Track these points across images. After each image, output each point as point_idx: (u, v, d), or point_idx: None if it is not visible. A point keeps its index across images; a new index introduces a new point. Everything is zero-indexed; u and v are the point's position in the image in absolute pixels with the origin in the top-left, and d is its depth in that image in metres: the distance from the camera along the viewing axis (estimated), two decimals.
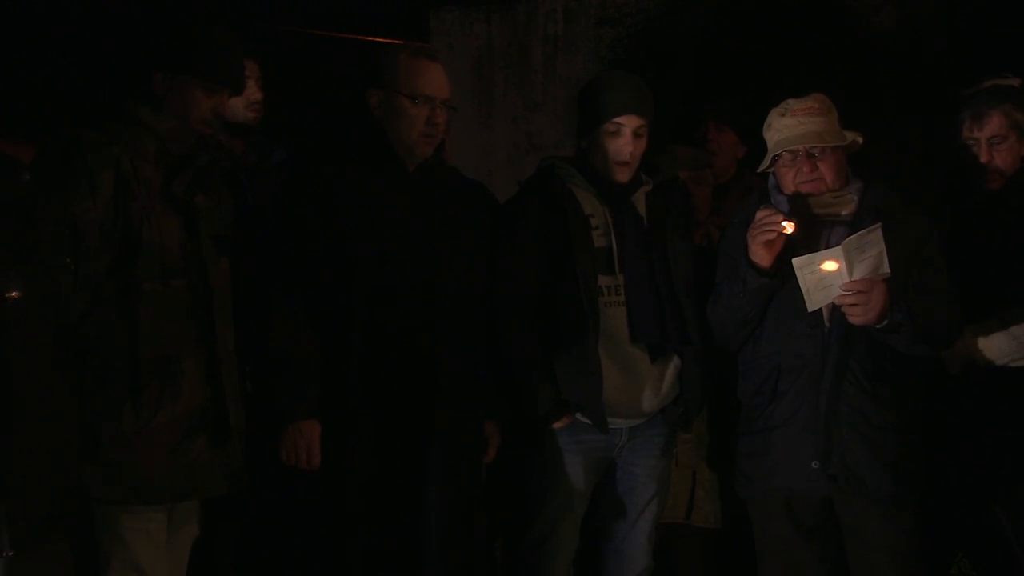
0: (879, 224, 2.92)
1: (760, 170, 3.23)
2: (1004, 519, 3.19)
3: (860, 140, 3.16)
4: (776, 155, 3.13)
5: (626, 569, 3.35)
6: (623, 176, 3.25)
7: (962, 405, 3.20)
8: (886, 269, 2.91)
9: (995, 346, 3.14)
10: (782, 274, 3.02)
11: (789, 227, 2.99)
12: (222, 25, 2.92)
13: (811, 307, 2.96)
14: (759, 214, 3.03)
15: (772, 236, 3.00)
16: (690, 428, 3.41)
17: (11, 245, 2.21)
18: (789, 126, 3.10)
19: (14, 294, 2.16)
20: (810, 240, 3.07)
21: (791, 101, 3.15)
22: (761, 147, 3.24)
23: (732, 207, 4.07)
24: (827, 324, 3.04)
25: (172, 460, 2.74)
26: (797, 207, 3.10)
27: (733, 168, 4.35)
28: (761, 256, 3.02)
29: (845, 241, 2.89)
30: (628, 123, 3.23)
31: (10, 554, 2.14)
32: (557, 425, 3.18)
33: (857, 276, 2.89)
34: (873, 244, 2.89)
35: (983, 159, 3.28)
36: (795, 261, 2.93)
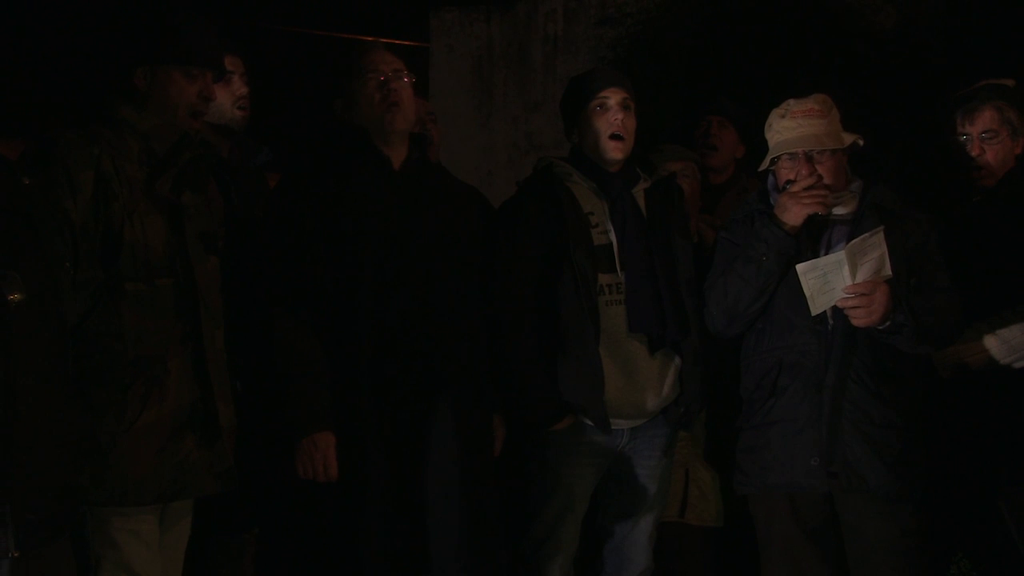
0: (881, 227, 2.92)
1: (760, 170, 3.23)
2: (1008, 517, 3.20)
3: (861, 142, 3.15)
4: (776, 156, 3.14)
5: (626, 569, 3.35)
6: (618, 151, 3.23)
7: (960, 404, 3.21)
8: (888, 271, 2.92)
9: (988, 350, 3.14)
10: (800, 245, 3.04)
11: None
12: (193, 11, 2.90)
13: (815, 311, 2.96)
14: (806, 180, 3.02)
15: (814, 209, 3.00)
16: (691, 427, 3.40)
17: (12, 248, 2.21)
18: (789, 128, 3.10)
19: (15, 296, 2.16)
20: (811, 240, 3.08)
21: (791, 102, 3.15)
22: (759, 148, 3.25)
23: (728, 207, 4.08)
24: (831, 321, 3.03)
25: (160, 460, 2.72)
26: None
27: (731, 168, 4.35)
28: (794, 215, 3.03)
29: (848, 245, 2.89)
30: (613, 95, 3.24)
31: (16, 554, 2.14)
32: (558, 427, 3.18)
33: (860, 279, 2.89)
34: (875, 247, 2.90)
35: (974, 153, 3.29)
36: (799, 267, 2.93)
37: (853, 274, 2.88)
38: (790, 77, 4.83)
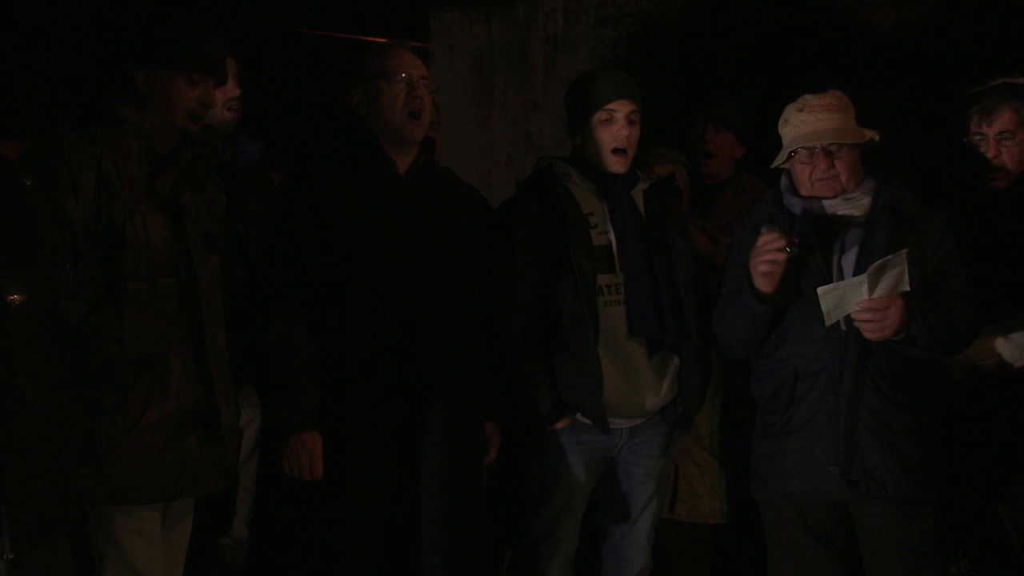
0: (906, 250, 2.87)
1: (774, 166, 3.18)
2: (1006, 519, 3.19)
3: (877, 138, 3.11)
4: (792, 151, 3.10)
5: (625, 569, 3.35)
6: (620, 166, 3.23)
7: (965, 407, 3.20)
8: (906, 286, 2.87)
9: (999, 353, 3.13)
10: (784, 299, 2.99)
11: (791, 250, 2.92)
12: (198, 16, 2.90)
13: (828, 323, 2.93)
14: (760, 239, 2.96)
15: (772, 268, 2.93)
16: (690, 427, 3.39)
17: (13, 249, 2.21)
18: (807, 122, 3.07)
19: (16, 297, 2.17)
20: (823, 246, 3.04)
21: (809, 97, 3.11)
22: (758, 147, 3.23)
23: (725, 207, 4.09)
24: (844, 328, 2.99)
25: (162, 458, 2.73)
26: (810, 210, 3.09)
27: (731, 169, 4.34)
28: (763, 283, 2.97)
29: (871, 267, 2.84)
30: (620, 108, 3.22)
31: (11, 556, 2.14)
32: (557, 426, 3.18)
33: (877, 295, 2.85)
34: (896, 265, 2.84)
35: (990, 154, 3.26)
36: (820, 290, 2.88)
37: (871, 291, 2.85)
38: (789, 78, 4.83)
